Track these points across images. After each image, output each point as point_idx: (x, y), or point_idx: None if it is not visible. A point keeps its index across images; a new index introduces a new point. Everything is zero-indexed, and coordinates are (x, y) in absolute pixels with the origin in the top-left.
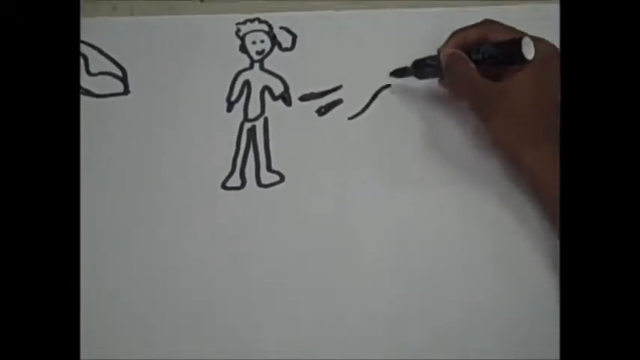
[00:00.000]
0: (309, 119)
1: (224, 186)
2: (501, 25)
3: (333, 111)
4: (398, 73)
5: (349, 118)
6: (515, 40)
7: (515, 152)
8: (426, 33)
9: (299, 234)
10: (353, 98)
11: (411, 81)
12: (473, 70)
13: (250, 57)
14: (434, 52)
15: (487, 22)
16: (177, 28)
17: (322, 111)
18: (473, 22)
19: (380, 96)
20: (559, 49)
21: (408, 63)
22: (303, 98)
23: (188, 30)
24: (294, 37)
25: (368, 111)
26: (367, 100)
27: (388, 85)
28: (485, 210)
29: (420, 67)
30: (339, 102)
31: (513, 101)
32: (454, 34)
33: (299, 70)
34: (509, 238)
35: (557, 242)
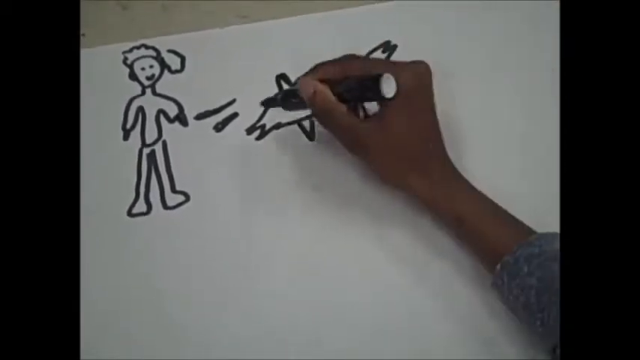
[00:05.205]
0: (207, 136)
1: (130, 213)
2: (363, 59)
3: (230, 125)
4: (267, 103)
5: (246, 130)
6: (374, 77)
7: (404, 185)
8: (309, 40)
9: (209, 251)
10: (248, 110)
11: None
12: (340, 111)
13: (141, 83)
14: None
15: (349, 57)
16: None
17: (219, 127)
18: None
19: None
20: (428, 67)
21: (296, 68)
22: (199, 117)
23: None
24: (183, 58)
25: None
26: (262, 110)
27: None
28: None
29: (288, 99)
30: (234, 116)
31: (390, 136)
32: (317, 66)
33: (191, 89)
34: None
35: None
